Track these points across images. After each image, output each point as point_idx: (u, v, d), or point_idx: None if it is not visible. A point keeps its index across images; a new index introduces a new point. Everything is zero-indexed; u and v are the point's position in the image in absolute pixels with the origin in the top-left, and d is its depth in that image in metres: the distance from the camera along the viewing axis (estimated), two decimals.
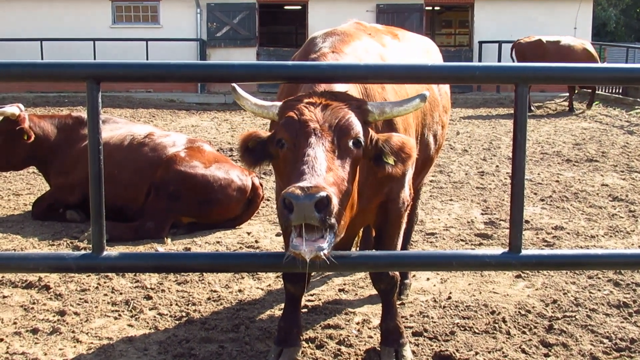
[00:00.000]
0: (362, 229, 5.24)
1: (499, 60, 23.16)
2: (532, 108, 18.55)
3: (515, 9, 25.10)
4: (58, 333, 4.56)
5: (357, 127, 3.02)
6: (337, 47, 3.77)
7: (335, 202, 2.66)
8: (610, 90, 20.98)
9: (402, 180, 3.91)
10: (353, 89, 3.40)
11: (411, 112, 3.24)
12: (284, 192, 2.63)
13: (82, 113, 7.85)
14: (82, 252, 2.97)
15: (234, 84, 2.96)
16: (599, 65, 3.09)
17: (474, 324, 4.73)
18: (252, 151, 3.15)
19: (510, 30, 24.48)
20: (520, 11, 25.05)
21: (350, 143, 2.99)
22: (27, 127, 7.41)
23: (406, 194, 3.99)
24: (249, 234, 6.98)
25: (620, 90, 20.53)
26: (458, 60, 24.29)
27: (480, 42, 24.92)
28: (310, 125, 2.93)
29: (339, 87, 3.28)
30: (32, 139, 7.43)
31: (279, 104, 3.13)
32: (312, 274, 5.38)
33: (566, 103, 19.52)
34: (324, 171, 2.75)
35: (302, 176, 2.68)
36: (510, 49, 19.37)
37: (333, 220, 2.67)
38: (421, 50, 4.99)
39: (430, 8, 29.16)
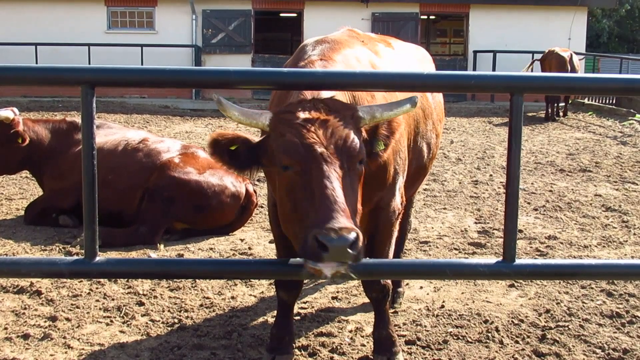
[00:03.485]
0: None
1: (494, 70, 23.25)
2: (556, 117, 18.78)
3: (510, 19, 25.22)
4: (49, 339, 4.54)
5: (362, 147, 2.99)
6: (326, 54, 3.76)
7: (361, 236, 2.68)
8: (603, 101, 21.06)
9: (393, 189, 3.90)
10: (340, 94, 3.37)
11: (400, 116, 3.20)
12: (316, 232, 2.61)
13: (77, 118, 7.83)
14: (74, 257, 2.96)
15: (217, 95, 2.89)
16: (594, 75, 3.09)
17: (467, 333, 4.73)
18: (237, 155, 3.10)
19: (505, 40, 24.61)
20: (515, 21, 25.17)
21: (357, 164, 2.98)
22: (21, 130, 7.39)
23: (397, 202, 3.98)
24: (242, 240, 6.96)
25: (614, 101, 20.62)
26: (453, 69, 24.36)
27: (475, 52, 25.03)
28: (317, 150, 2.86)
29: (326, 93, 3.25)
30: (27, 142, 7.41)
31: (268, 113, 3.05)
32: (305, 281, 5.37)
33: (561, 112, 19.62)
34: (346, 204, 2.74)
35: (329, 213, 2.66)
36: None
37: (361, 252, 2.68)
38: (415, 59, 4.99)
39: (426, 17, 29.27)
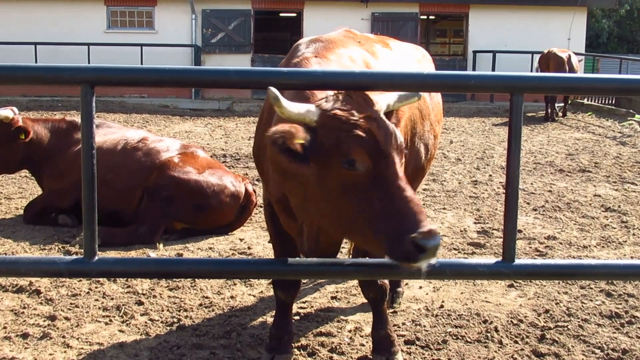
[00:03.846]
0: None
1: (493, 70, 23.26)
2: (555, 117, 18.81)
3: (509, 19, 25.22)
4: (48, 338, 4.54)
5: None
6: (320, 53, 3.74)
7: None
8: (603, 101, 21.07)
9: None
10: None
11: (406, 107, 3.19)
12: (414, 236, 2.67)
13: (76, 117, 7.82)
14: (74, 257, 2.95)
15: (273, 89, 2.76)
16: (593, 75, 3.09)
17: (466, 333, 4.73)
18: (297, 151, 2.92)
19: (504, 40, 24.62)
20: (514, 21, 25.17)
21: (403, 159, 2.98)
22: (23, 125, 7.40)
23: None
24: (241, 240, 6.96)
25: (614, 101, 20.62)
26: (452, 69, 24.35)
27: (475, 52, 25.03)
28: (387, 150, 2.86)
29: None
30: (30, 135, 7.41)
31: (314, 109, 2.94)
32: (304, 281, 5.37)
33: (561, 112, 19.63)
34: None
35: (419, 217, 2.73)
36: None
37: None
38: (413, 59, 4.97)
39: (425, 17, 29.27)
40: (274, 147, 2.84)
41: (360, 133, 2.85)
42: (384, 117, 2.96)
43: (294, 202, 3.47)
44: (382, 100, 3.05)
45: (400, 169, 2.86)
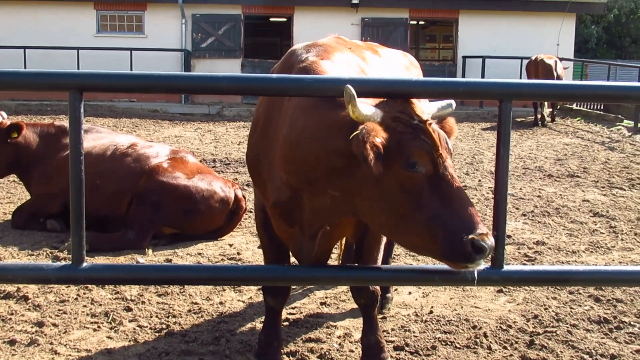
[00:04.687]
0: (343, 242, 5.24)
1: (483, 75, 23.35)
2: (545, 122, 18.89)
3: (499, 25, 25.32)
4: (36, 344, 4.51)
5: None
6: (323, 55, 3.75)
7: None
8: (591, 107, 21.17)
9: None
10: None
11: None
12: (472, 238, 2.80)
13: (65, 122, 7.78)
14: (61, 263, 2.94)
15: (350, 87, 2.77)
16: (582, 82, 3.11)
17: (455, 339, 4.73)
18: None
19: (494, 46, 24.71)
20: (504, 27, 25.27)
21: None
22: (13, 123, 7.38)
23: None
24: (231, 245, 6.95)
25: (602, 107, 20.73)
26: (442, 74, 24.44)
27: (464, 57, 25.10)
28: (443, 155, 2.97)
29: None
30: (23, 130, 7.38)
31: (377, 110, 2.96)
32: (293, 287, 5.36)
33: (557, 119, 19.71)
34: None
35: (476, 219, 2.86)
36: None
37: None
38: (401, 66, 4.98)
39: (415, 22, 29.32)
40: (364, 146, 2.83)
41: (422, 136, 2.94)
42: (434, 124, 3.07)
43: (325, 203, 3.39)
44: (427, 108, 3.17)
45: (455, 172, 2.96)
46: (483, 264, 2.89)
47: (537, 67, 18.52)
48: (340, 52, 3.94)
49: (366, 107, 2.93)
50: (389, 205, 2.99)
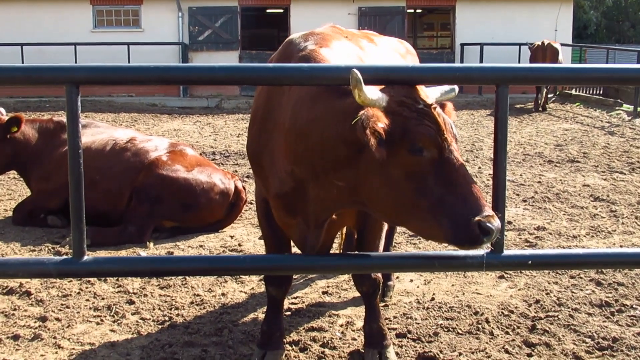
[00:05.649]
0: (344, 231, 5.24)
1: (481, 62, 23.30)
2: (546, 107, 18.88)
3: (496, 12, 25.26)
4: (39, 339, 4.52)
5: None
6: (322, 43, 3.74)
7: None
8: (591, 92, 21.14)
9: None
10: None
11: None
12: (479, 220, 2.83)
13: (64, 118, 7.79)
14: (62, 257, 2.95)
15: (356, 71, 2.77)
16: (579, 65, 3.11)
17: (457, 325, 4.75)
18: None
19: (491, 33, 24.66)
20: (501, 13, 25.22)
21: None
22: (12, 116, 7.38)
23: None
24: (232, 237, 6.96)
25: (601, 92, 20.70)
26: (440, 62, 24.34)
27: (462, 45, 25.07)
28: (451, 139, 2.96)
29: None
30: (22, 123, 7.38)
31: (384, 95, 2.95)
32: (295, 277, 5.37)
33: (554, 105, 19.67)
34: None
35: (482, 202, 2.88)
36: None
37: None
38: (397, 53, 4.97)
39: (412, 11, 29.26)
40: (364, 132, 2.83)
41: (427, 121, 2.94)
42: (439, 108, 3.07)
43: (331, 194, 3.38)
44: (431, 92, 3.15)
45: (460, 156, 2.96)
46: (485, 248, 2.92)
47: (545, 52, 18.46)
48: (338, 41, 3.94)
49: (372, 91, 2.92)
50: (396, 192, 3.00)
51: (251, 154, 4.00)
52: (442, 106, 3.18)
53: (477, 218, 2.83)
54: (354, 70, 2.78)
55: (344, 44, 3.96)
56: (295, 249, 4.21)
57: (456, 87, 3.32)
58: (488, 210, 2.85)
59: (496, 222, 2.83)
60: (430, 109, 2.97)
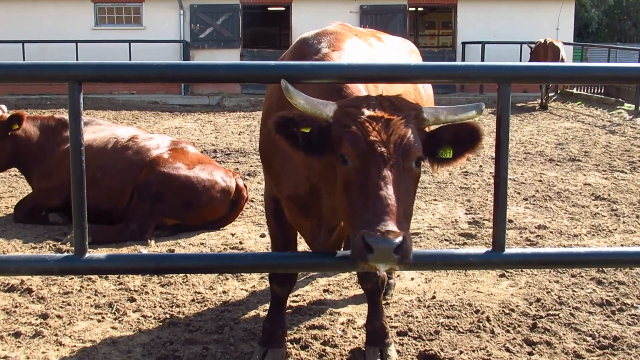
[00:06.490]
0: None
1: (482, 61, 23.27)
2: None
3: (498, 10, 25.22)
4: (41, 336, 4.53)
5: (419, 147, 2.90)
6: (335, 45, 3.74)
7: (410, 242, 2.68)
8: (592, 91, 21.13)
9: None
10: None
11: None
12: (363, 233, 2.62)
13: (65, 115, 7.78)
14: (64, 254, 2.95)
15: (285, 82, 2.82)
16: (580, 64, 3.12)
17: (458, 323, 4.75)
18: (308, 138, 2.98)
19: (493, 31, 24.62)
20: (503, 12, 25.17)
21: (414, 164, 2.90)
22: (14, 113, 7.39)
23: None
24: (233, 235, 6.96)
25: (602, 91, 20.69)
26: (441, 61, 24.30)
27: (464, 43, 25.03)
28: (378, 149, 2.80)
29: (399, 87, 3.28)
30: (24, 120, 7.38)
31: (333, 105, 2.96)
32: (298, 275, 5.38)
33: (555, 104, 19.67)
34: (397, 207, 2.72)
35: (379, 216, 2.66)
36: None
37: (410, 258, 2.68)
38: (404, 52, 5.01)
39: (414, 9, 29.22)
40: (273, 129, 2.95)
41: (354, 130, 2.85)
42: (402, 121, 2.90)
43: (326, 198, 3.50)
44: (429, 112, 3.00)
45: (388, 172, 2.78)
46: (384, 267, 2.68)
47: (547, 50, 18.47)
48: (350, 39, 3.95)
49: (313, 101, 2.94)
50: (339, 199, 3.00)
51: (262, 153, 4.01)
52: (465, 126, 3.02)
53: (362, 231, 2.65)
54: (282, 80, 2.85)
55: (355, 42, 3.98)
56: (300, 247, 4.21)
57: (482, 105, 3.02)
58: (382, 225, 2.63)
59: (383, 241, 2.59)
60: (374, 120, 2.87)
